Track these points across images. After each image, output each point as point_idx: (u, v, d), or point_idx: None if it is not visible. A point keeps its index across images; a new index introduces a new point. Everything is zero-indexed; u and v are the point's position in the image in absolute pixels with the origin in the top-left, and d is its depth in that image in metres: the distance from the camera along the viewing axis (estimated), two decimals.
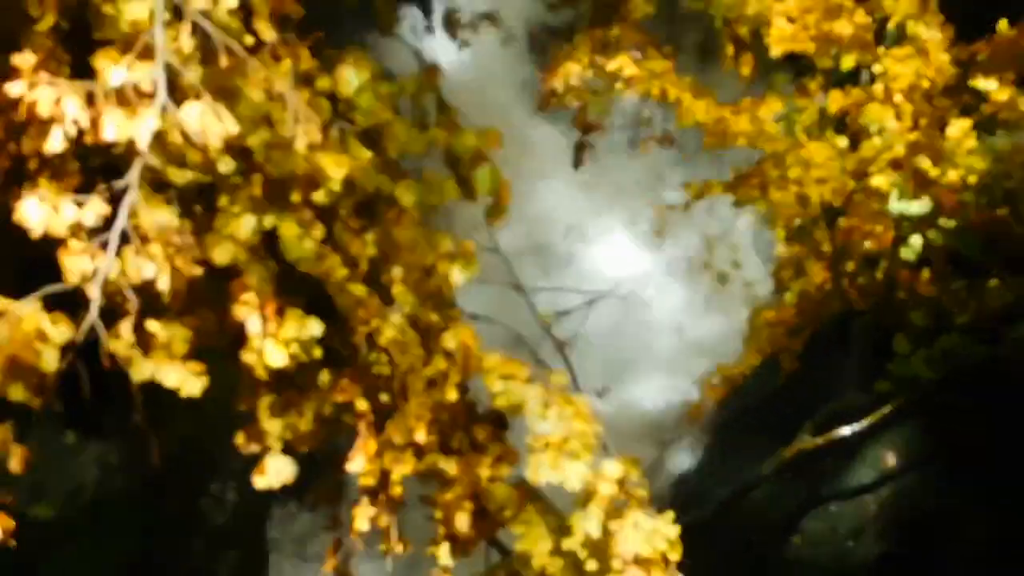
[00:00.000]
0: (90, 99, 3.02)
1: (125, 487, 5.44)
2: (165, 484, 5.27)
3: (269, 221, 3.34)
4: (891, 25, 5.54)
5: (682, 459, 7.15)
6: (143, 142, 3.02)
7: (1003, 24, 5.39)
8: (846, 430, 5.38)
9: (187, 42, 3.09)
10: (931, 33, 5.35)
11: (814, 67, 5.69)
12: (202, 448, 5.59)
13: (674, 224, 8.72)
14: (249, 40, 3.30)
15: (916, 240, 5.30)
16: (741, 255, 8.74)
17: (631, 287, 8.47)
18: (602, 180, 9.15)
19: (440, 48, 8.82)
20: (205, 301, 3.39)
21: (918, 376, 5.20)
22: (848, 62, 5.54)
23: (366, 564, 3.79)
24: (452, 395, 3.56)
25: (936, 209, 5.25)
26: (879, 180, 5.33)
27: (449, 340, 3.58)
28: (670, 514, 3.54)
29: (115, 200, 3.11)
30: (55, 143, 3.01)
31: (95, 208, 3.06)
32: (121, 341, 3.12)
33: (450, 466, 3.56)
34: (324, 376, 3.52)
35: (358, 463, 3.56)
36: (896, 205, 5.31)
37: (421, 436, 3.52)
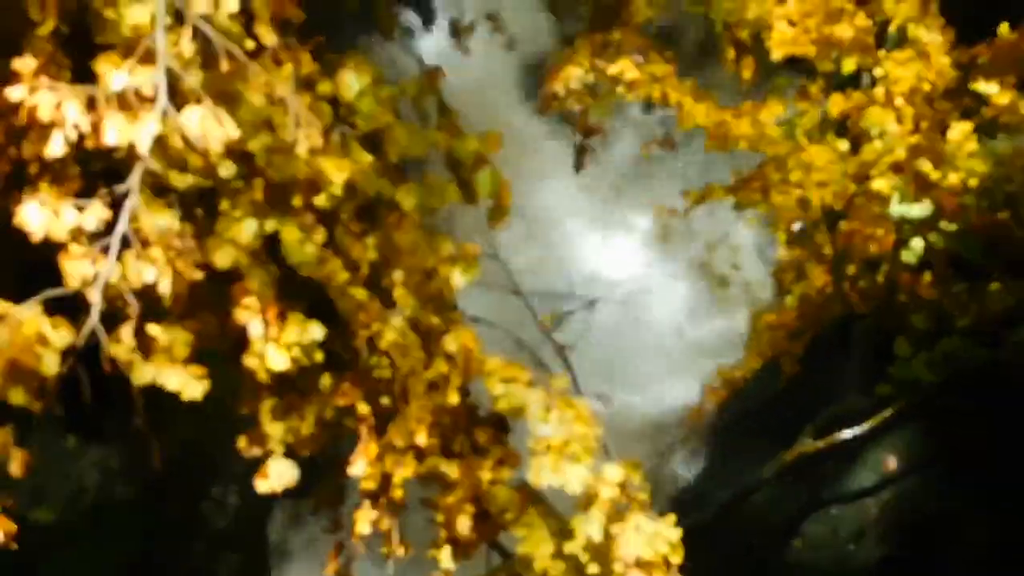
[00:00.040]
0: (91, 103, 3.02)
1: (126, 491, 5.44)
2: (166, 487, 5.27)
3: (270, 225, 3.34)
4: (892, 28, 5.54)
5: (683, 462, 7.14)
6: (144, 146, 3.02)
7: (1004, 27, 5.39)
8: (847, 433, 5.37)
9: (188, 47, 3.09)
10: (932, 36, 5.35)
11: (815, 70, 5.68)
12: (203, 451, 5.58)
13: (675, 227, 8.72)
14: (250, 44, 3.30)
15: (917, 243, 5.30)
16: (742, 258, 8.74)
17: (632, 290, 8.47)
18: (603, 183, 9.15)
19: (440, 52, 8.83)
20: (206, 305, 3.40)
21: (919, 379, 5.19)
22: (849, 65, 5.54)
23: (368, 567, 3.79)
24: (453, 398, 3.56)
25: (937, 212, 5.24)
26: (880, 183, 5.33)
27: (450, 343, 3.58)
28: (671, 517, 3.54)
29: (116, 204, 3.11)
30: (56, 147, 3.01)
31: (96, 212, 3.06)
32: (122, 345, 3.12)
33: (451, 469, 3.56)
34: (325, 380, 3.53)
35: (359, 466, 3.56)
36: (897, 208, 5.30)
37: (422, 439, 3.52)
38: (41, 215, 3.02)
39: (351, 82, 3.47)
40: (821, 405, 5.65)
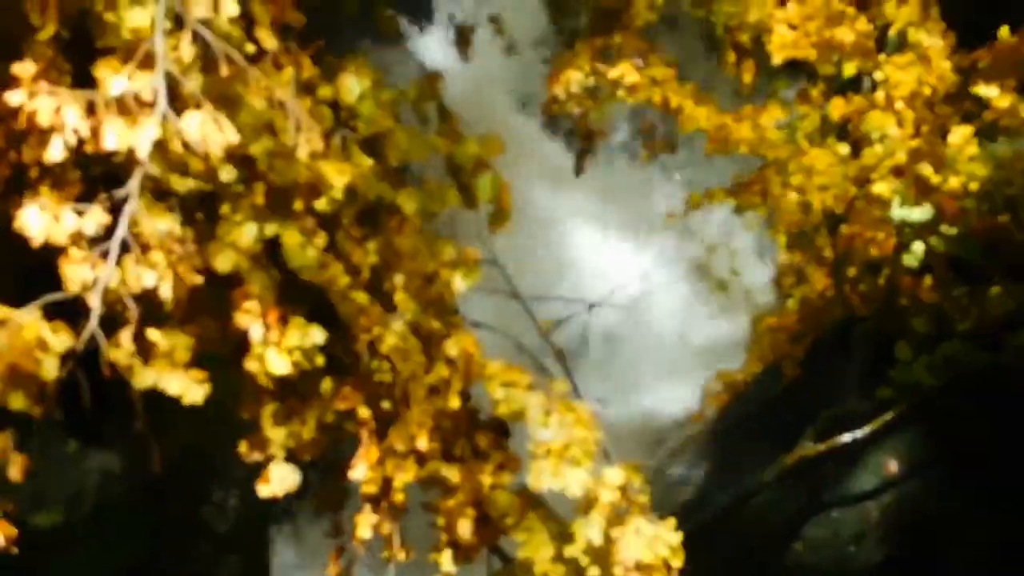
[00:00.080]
0: (91, 108, 3.02)
1: (127, 494, 5.43)
2: (167, 491, 5.26)
3: (271, 229, 3.34)
4: (892, 32, 5.53)
5: (683, 466, 7.13)
6: (143, 151, 3.02)
7: (1004, 31, 5.39)
8: (847, 436, 5.36)
9: (188, 51, 3.09)
10: (933, 40, 5.34)
11: (816, 74, 5.68)
12: (204, 455, 5.58)
13: (675, 230, 8.72)
14: (251, 48, 3.30)
15: (918, 247, 5.29)
16: (742, 262, 8.73)
17: (632, 294, 8.46)
18: (603, 187, 9.14)
19: (441, 55, 8.83)
20: (207, 309, 3.39)
21: (920, 383, 5.18)
22: (850, 69, 5.53)
23: (368, 571, 3.78)
24: (454, 402, 3.56)
25: (938, 216, 5.24)
26: (881, 187, 5.32)
27: (451, 347, 3.58)
28: (672, 520, 3.54)
29: (116, 209, 3.11)
30: (55, 152, 3.01)
31: (95, 217, 3.06)
32: (121, 350, 3.12)
33: (452, 473, 3.55)
34: (326, 384, 3.52)
35: (360, 470, 3.56)
36: (898, 212, 5.30)
37: (423, 443, 3.52)
38: (41, 220, 3.02)
39: (352, 86, 3.47)
40: (822, 408, 5.63)
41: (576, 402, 3.63)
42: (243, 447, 3.49)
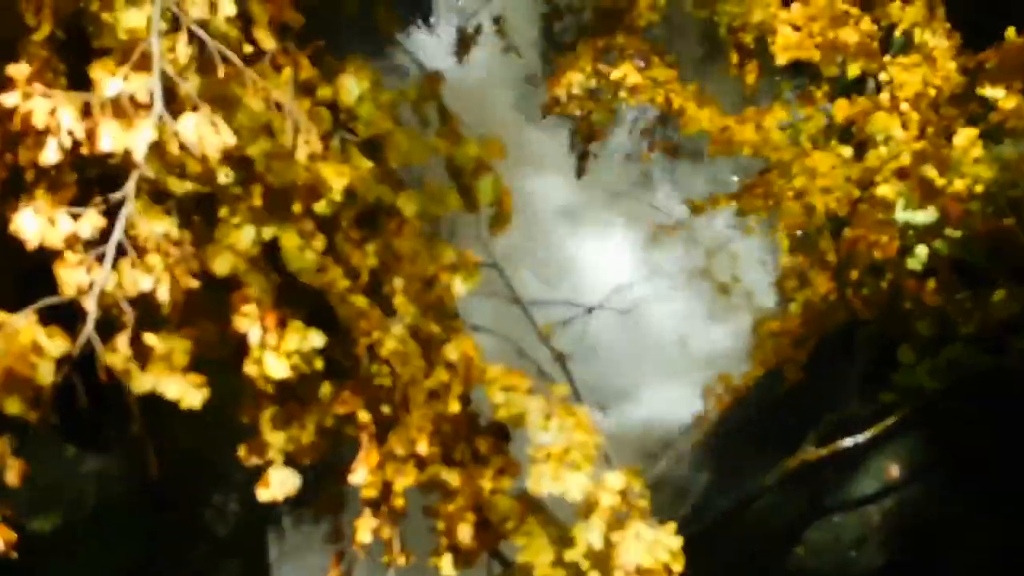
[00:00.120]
0: (86, 110, 3.00)
1: (125, 498, 5.40)
2: (166, 495, 5.24)
3: (269, 232, 3.30)
4: (897, 33, 5.50)
5: (684, 469, 7.11)
6: (139, 153, 2.99)
7: (1011, 32, 5.35)
8: (849, 441, 5.34)
9: (184, 51, 3.07)
10: (938, 41, 5.31)
11: (819, 75, 5.65)
12: (203, 459, 5.56)
13: (676, 233, 8.69)
14: (248, 49, 3.27)
15: (922, 250, 5.26)
16: (744, 265, 8.70)
17: (633, 297, 8.44)
18: (605, 189, 9.12)
19: (441, 57, 8.79)
20: (205, 313, 3.37)
21: (922, 387, 5.16)
22: (854, 70, 5.49)
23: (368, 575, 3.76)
24: (454, 407, 3.53)
25: (942, 219, 5.21)
26: (885, 189, 5.29)
27: (451, 351, 3.55)
28: (672, 525, 3.51)
29: (113, 212, 3.09)
30: (50, 154, 2.99)
31: (91, 220, 3.03)
32: (118, 354, 3.09)
33: (452, 477, 3.52)
34: (326, 388, 3.50)
35: (360, 475, 3.53)
36: (902, 215, 5.27)
37: (423, 448, 3.49)
38: (36, 223, 2.99)
39: (351, 87, 3.44)
40: (824, 412, 5.62)
41: (576, 406, 3.60)
42: (242, 451, 3.46)
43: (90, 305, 3.04)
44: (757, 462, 5.74)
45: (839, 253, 5.60)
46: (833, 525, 5.38)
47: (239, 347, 3.31)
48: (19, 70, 3.01)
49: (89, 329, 3.03)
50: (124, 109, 3.00)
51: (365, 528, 3.53)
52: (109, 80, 3.01)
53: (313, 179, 3.30)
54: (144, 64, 3.04)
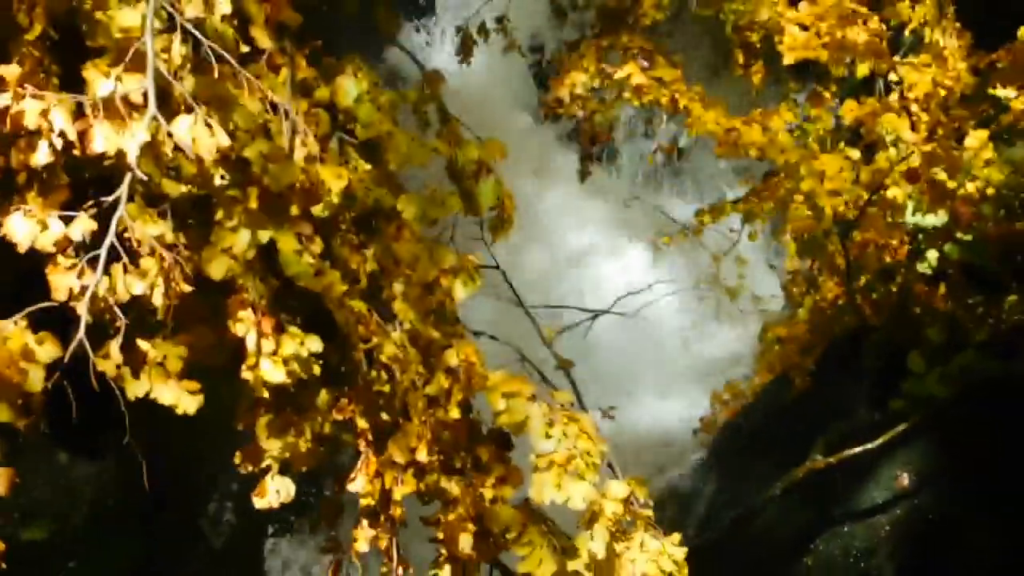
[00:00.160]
0: (79, 111, 2.95)
1: (120, 507, 5.36)
2: (162, 504, 5.20)
3: (266, 235, 3.25)
4: (907, 32, 5.43)
5: (690, 478, 7.06)
6: (132, 155, 2.94)
7: (1023, 31, 5.28)
8: (858, 449, 5.27)
9: (179, 51, 3.02)
10: (948, 41, 5.24)
11: (827, 75, 5.58)
12: (199, 468, 5.53)
13: (682, 237, 8.62)
14: (245, 49, 3.23)
15: (932, 254, 5.21)
16: (751, 269, 8.64)
17: (637, 302, 8.39)
18: (609, 192, 9.07)
19: (442, 57, 8.76)
20: (201, 317, 3.32)
21: (933, 394, 5.10)
22: (863, 70, 5.41)
23: None
24: (454, 413, 3.48)
25: (953, 222, 5.15)
26: (894, 192, 5.23)
27: (451, 357, 3.50)
28: (677, 535, 3.47)
29: (106, 214, 3.04)
30: (42, 156, 2.94)
31: (82, 223, 2.98)
32: (109, 361, 3.04)
33: (452, 486, 3.48)
34: (323, 394, 3.45)
35: (358, 483, 3.50)
36: (912, 218, 5.21)
37: (423, 455, 3.45)
38: (26, 226, 2.95)
39: (349, 88, 3.41)
40: (832, 420, 5.56)
41: (580, 413, 3.55)
42: (238, 458, 3.42)
43: (82, 310, 2.99)
44: (764, 470, 5.68)
45: (847, 257, 5.54)
46: (842, 535, 5.30)
47: (235, 353, 3.27)
48: (10, 70, 2.96)
49: (80, 335, 2.98)
50: (117, 110, 2.95)
51: (363, 538, 3.50)
52: (102, 80, 2.97)
53: (311, 181, 3.26)
54: (138, 64, 2.99)
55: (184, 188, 3.18)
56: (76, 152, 2.97)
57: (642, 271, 9.02)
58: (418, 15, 9.23)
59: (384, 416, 3.49)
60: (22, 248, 2.96)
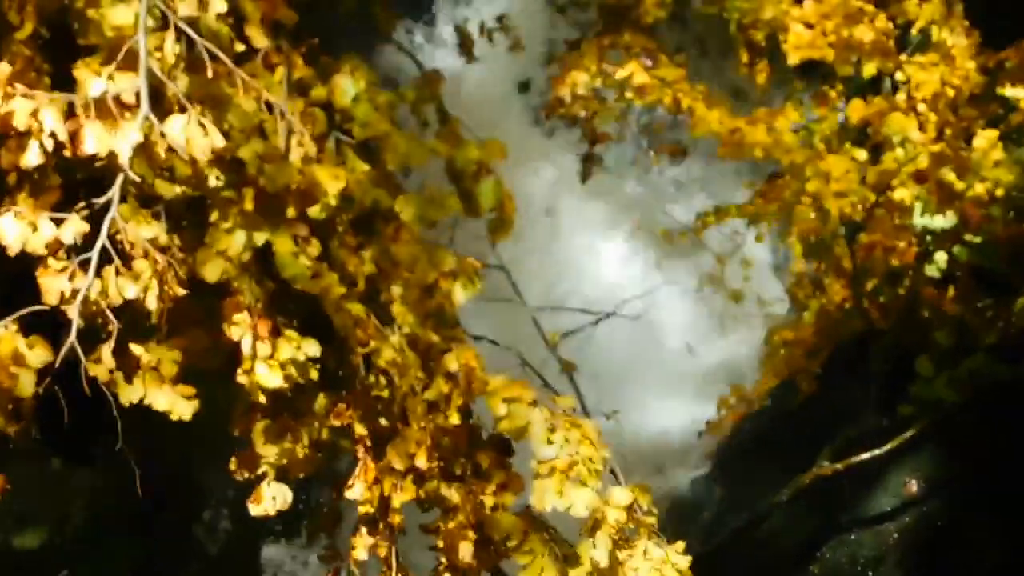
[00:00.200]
0: (70, 111, 2.90)
1: (114, 515, 5.33)
2: (157, 511, 5.17)
3: (262, 237, 3.22)
4: (914, 31, 5.38)
5: (694, 485, 7.02)
6: (124, 156, 2.89)
7: None
8: (866, 455, 5.23)
9: (172, 50, 2.97)
10: (957, 39, 5.19)
11: (833, 75, 5.53)
12: (195, 474, 5.50)
13: (686, 239, 8.59)
14: (240, 47, 3.19)
15: (940, 256, 5.16)
16: (756, 272, 8.60)
17: (641, 305, 8.35)
18: (611, 193, 9.03)
19: (441, 55, 8.72)
20: (196, 321, 3.29)
21: (941, 399, 5.05)
22: (869, 70, 5.37)
23: None
24: (454, 419, 3.44)
25: (961, 224, 5.09)
26: (902, 193, 5.18)
27: (451, 361, 3.46)
28: (681, 543, 3.42)
29: (98, 216, 2.99)
30: (32, 157, 2.89)
31: (73, 225, 2.93)
32: (101, 366, 2.99)
33: (452, 493, 3.44)
34: (321, 399, 3.42)
35: (357, 490, 3.46)
36: (919, 220, 5.17)
37: (422, 462, 3.41)
38: (16, 228, 2.90)
39: (346, 87, 3.37)
40: (839, 425, 5.52)
41: (582, 418, 3.50)
42: (234, 464, 3.39)
43: (73, 314, 2.94)
44: (770, 477, 5.64)
45: (854, 260, 5.49)
46: (849, 543, 5.25)
47: (231, 357, 3.23)
48: (0, 70, 2.90)
49: (72, 339, 2.93)
50: (109, 110, 2.90)
51: (362, 545, 3.46)
52: (93, 80, 2.92)
53: (307, 182, 3.22)
54: (130, 63, 2.95)
55: (178, 189, 3.15)
56: (67, 153, 2.92)
57: (645, 274, 8.98)
58: (417, 13, 9.19)
59: (383, 421, 3.46)
60: (12, 250, 2.91)
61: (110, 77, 2.90)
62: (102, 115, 2.89)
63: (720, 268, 8.48)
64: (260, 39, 3.25)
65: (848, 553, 5.25)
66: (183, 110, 2.96)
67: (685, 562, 3.38)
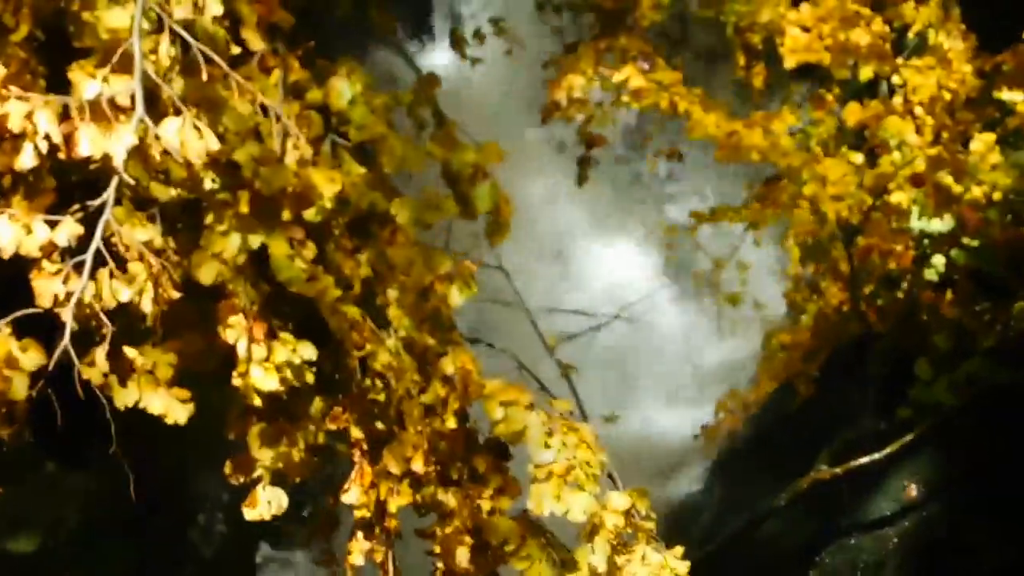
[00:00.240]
0: (65, 113, 2.89)
1: (109, 518, 5.31)
2: (151, 515, 5.14)
3: (257, 240, 3.20)
4: (911, 34, 5.39)
5: (692, 489, 7.01)
6: (119, 158, 2.88)
7: None
8: (864, 459, 5.22)
9: (167, 53, 2.96)
10: (953, 43, 5.20)
11: (830, 78, 5.54)
12: (189, 478, 5.48)
13: (683, 242, 8.59)
14: (236, 50, 3.17)
15: (938, 259, 5.17)
16: (754, 275, 8.60)
17: (638, 309, 8.34)
18: (608, 197, 9.02)
19: (438, 58, 8.72)
20: (191, 324, 3.27)
21: (940, 402, 5.04)
22: (866, 73, 5.37)
23: None
24: (451, 423, 3.43)
25: (959, 227, 5.11)
26: (899, 197, 5.19)
27: (448, 365, 3.45)
28: (679, 548, 3.41)
29: (92, 219, 2.98)
30: (26, 159, 2.88)
31: (67, 227, 2.92)
32: (95, 369, 2.98)
33: (449, 497, 3.42)
34: (317, 402, 3.40)
35: (353, 494, 3.45)
36: (917, 223, 5.18)
37: (419, 466, 3.39)
38: (11, 230, 2.88)
39: (342, 90, 3.35)
40: (837, 429, 5.51)
41: (580, 422, 3.49)
42: (229, 468, 3.36)
43: (67, 317, 2.92)
44: (768, 481, 5.63)
45: (852, 263, 5.50)
46: (848, 547, 5.24)
47: (226, 360, 3.21)
48: None
49: (65, 342, 2.92)
50: (104, 112, 2.89)
51: (358, 550, 3.44)
52: (88, 82, 2.91)
53: (303, 185, 3.20)
54: (125, 66, 2.93)
55: (173, 192, 3.13)
56: (62, 155, 2.91)
57: (642, 278, 8.97)
58: (414, 16, 9.18)
59: (379, 425, 3.44)
60: (6, 253, 2.90)
61: (105, 80, 2.89)
62: (97, 117, 2.89)
63: (717, 272, 8.48)
64: (256, 42, 3.24)
65: (847, 558, 5.24)
66: (178, 113, 2.95)
67: (684, 567, 3.37)
